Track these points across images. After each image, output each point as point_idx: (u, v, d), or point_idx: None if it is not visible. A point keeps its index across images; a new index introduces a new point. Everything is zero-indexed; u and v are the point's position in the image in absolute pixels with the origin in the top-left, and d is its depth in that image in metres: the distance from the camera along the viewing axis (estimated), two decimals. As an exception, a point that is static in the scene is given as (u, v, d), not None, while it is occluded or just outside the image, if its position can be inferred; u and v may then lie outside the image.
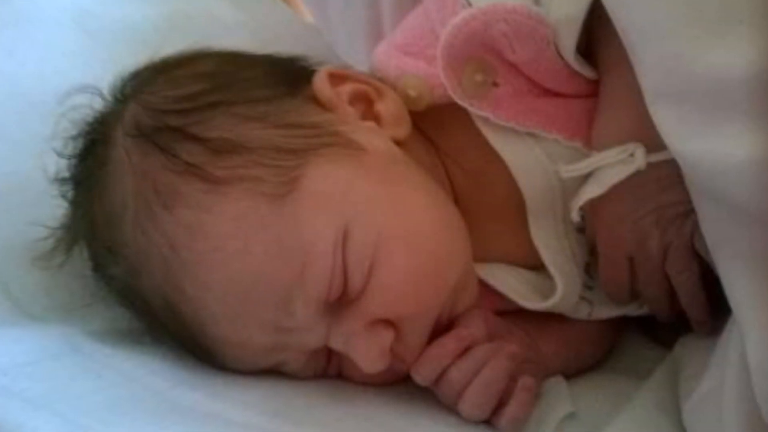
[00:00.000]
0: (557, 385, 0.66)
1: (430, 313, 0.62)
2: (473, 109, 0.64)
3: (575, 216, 0.64)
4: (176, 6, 0.85)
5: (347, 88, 0.66)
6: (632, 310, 0.69)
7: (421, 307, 0.62)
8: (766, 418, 0.49)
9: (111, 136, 0.63)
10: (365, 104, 0.67)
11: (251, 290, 0.59)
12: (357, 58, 0.87)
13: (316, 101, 0.65)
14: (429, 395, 0.63)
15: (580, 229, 0.67)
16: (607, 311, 0.70)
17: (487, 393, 0.61)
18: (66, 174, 0.66)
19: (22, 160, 0.69)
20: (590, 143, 0.64)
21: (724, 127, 0.50)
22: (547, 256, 0.67)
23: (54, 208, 0.66)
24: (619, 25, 0.57)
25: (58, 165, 0.66)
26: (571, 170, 0.63)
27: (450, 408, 0.62)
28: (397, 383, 0.64)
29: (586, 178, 0.64)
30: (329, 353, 0.63)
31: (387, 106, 0.66)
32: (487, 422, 0.62)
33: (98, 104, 0.66)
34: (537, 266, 0.68)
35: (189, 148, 0.60)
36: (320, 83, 0.65)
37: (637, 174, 0.61)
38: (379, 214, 0.61)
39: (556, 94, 0.65)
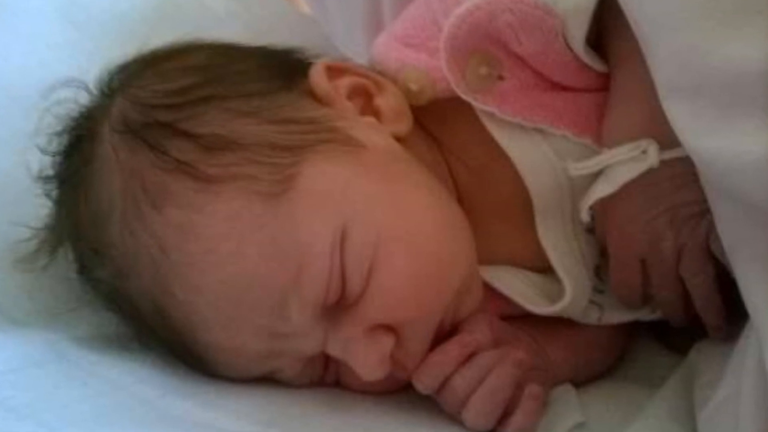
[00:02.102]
0: (566, 393, 0.66)
1: (432, 317, 0.61)
2: (478, 104, 0.64)
3: (585, 216, 0.63)
4: (166, -5, 0.86)
5: (345, 82, 0.66)
6: (644, 314, 0.69)
7: (423, 311, 0.61)
8: (784, 427, 0.49)
9: (97, 132, 0.62)
10: (364, 99, 0.66)
11: (245, 294, 0.58)
12: (356, 50, 0.88)
13: (312, 95, 0.64)
14: (431, 404, 0.62)
15: (590, 230, 0.66)
16: (618, 316, 0.69)
17: (492, 402, 0.61)
18: (50, 172, 0.65)
19: (4, 157, 0.68)
20: (600, 140, 0.64)
21: (741, 122, 0.49)
22: (555, 258, 0.66)
23: (37, 208, 0.65)
24: (631, 16, 0.57)
25: (42, 162, 0.65)
26: (581, 168, 0.63)
27: (453, 417, 0.61)
28: (398, 391, 0.63)
29: (596, 176, 0.63)
30: (326, 360, 0.62)
31: (387, 101, 0.66)
32: (492, 432, 0.62)
33: (84, 98, 0.65)
34: (544, 269, 0.68)
35: (179, 145, 0.59)
36: (317, 77, 0.65)
37: (649, 172, 0.61)
38: (378, 214, 0.60)
39: (565, 88, 0.64)
